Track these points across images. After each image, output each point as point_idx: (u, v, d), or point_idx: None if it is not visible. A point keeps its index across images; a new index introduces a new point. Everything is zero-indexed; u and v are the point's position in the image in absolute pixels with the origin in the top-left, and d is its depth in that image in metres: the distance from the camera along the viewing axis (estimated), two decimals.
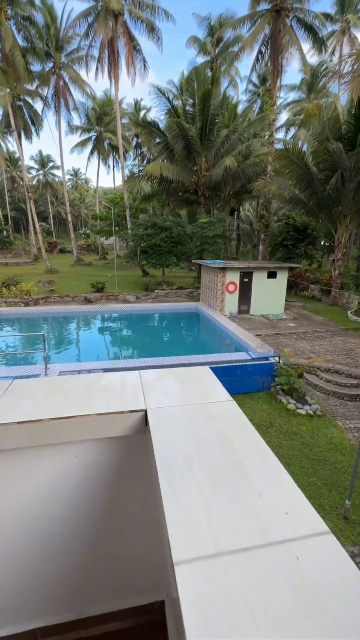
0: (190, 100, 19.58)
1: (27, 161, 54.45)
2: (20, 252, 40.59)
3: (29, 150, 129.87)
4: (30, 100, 28.38)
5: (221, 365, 8.17)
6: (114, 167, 41.99)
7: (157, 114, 33.23)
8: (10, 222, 48.48)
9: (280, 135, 31.57)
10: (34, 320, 13.85)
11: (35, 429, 0.96)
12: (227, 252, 26.60)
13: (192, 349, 11.33)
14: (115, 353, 10.99)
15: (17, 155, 47.20)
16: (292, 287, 18.20)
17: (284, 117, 35.77)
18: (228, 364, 8.24)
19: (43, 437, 0.97)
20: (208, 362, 8.20)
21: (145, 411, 1.02)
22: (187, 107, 19.53)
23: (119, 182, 68.32)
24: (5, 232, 41.22)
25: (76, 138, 79.27)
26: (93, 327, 13.97)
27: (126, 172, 29.16)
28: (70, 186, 61.80)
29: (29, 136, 30.57)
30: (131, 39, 21.03)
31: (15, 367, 7.86)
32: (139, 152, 38.58)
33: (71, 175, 63.50)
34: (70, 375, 1.27)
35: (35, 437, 0.96)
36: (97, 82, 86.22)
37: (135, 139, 37.41)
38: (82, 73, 26.60)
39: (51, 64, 25.24)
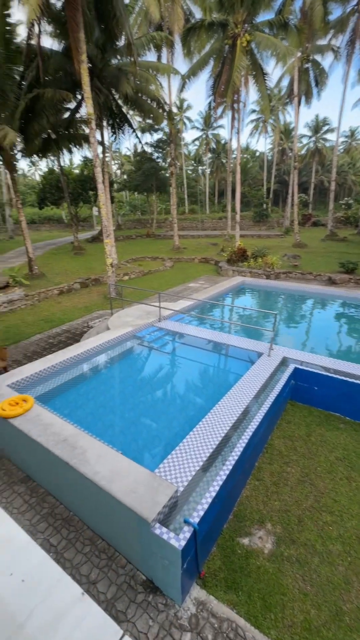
0: None
1: (301, 129, 53.25)
2: (274, 224, 42.05)
3: (303, 117, 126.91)
4: (319, 58, 26.39)
5: None
6: None
7: None
8: (271, 196, 50.78)
9: None
10: (270, 294, 13.92)
11: None
12: None
13: None
14: (350, 350, 9.06)
15: (292, 125, 47.13)
16: None
17: None
18: None
19: None
20: None
21: None
22: None
23: None
24: (264, 206, 43.75)
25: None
26: (330, 315, 12.23)
27: None
28: (341, 150, 55.43)
29: (308, 101, 29.13)
30: None
31: (242, 338, 8.11)
32: None
33: (346, 137, 56.48)
34: None
35: None
36: None
37: None
38: None
39: (354, 2, 21.72)
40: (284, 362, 6.89)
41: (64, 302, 13.81)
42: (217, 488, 3.58)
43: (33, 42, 13.58)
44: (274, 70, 63.78)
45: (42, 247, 27.47)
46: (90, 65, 14.33)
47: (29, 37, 13.58)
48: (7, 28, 12.73)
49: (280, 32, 18.13)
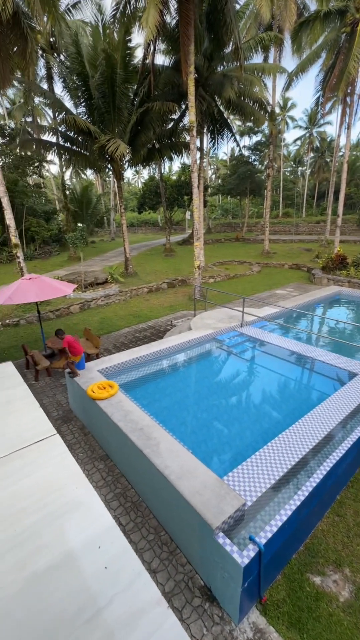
0: None
1: None
2: None
3: None
4: None
5: None
6: None
7: None
8: None
9: None
10: None
11: None
12: None
13: None
14: None
15: None
16: None
17: None
18: None
19: None
20: None
21: None
22: None
23: None
24: None
25: None
26: None
27: None
28: None
29: None
30: None
31: (332, 354, 7.30)
32: None
33: None
34: None
35: None
36: None
37: None
38: None
39: None
40: None
41: (152, 300, 14.72)
42: (290, 513, 3.30)
43: (147, 60, 14.85)
44: None
45: (137, 249, 29.87)
46: (197, 75, 14.91)
47: (145, 57, 14.89)
48: (127, 52, 14.23)
49: None
